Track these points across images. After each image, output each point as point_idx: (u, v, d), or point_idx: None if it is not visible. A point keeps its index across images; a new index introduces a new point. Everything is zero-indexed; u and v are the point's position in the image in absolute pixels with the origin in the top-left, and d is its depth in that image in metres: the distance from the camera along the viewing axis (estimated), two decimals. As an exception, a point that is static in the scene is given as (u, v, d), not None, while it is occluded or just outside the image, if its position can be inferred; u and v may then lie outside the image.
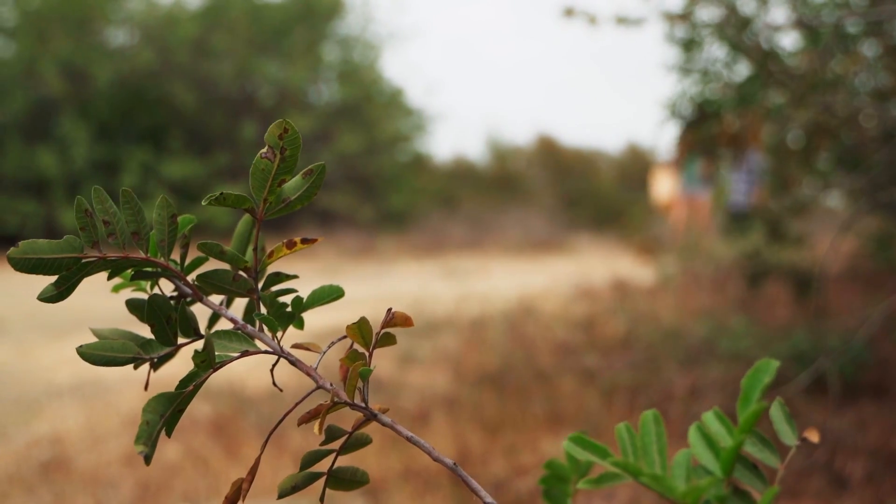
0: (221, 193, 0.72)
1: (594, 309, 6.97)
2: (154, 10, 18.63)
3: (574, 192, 23.36)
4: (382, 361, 5.99)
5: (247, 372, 5.99)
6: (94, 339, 0.76)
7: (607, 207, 22.90)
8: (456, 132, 44.44)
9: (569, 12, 7.47)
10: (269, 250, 0.81)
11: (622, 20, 7.82)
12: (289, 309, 0.80)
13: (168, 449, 4.40)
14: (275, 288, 0.82)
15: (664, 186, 12.26)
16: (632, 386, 4.70)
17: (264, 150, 0.74)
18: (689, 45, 4.04)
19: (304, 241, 0.78)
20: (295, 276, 0.82)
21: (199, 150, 18.24)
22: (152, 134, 18.24)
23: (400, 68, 37.04)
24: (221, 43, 18.12)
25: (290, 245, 0.79)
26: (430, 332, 6.78)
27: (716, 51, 3.90)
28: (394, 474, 3.76)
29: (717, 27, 3.73)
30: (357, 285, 11.64)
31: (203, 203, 0.72)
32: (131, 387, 5.44)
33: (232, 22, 18.62)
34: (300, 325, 0.83)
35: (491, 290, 9.71)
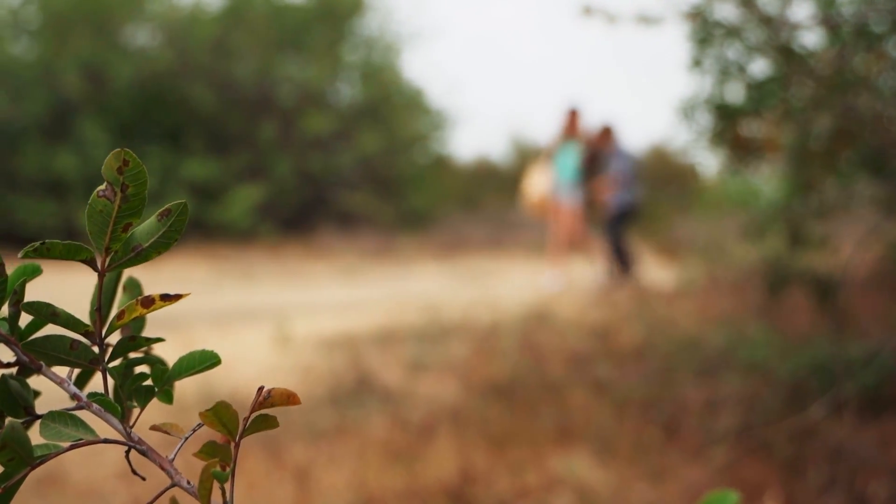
0: (44, 243, 0.57)
1: (610, 314, 6.80)
2: (174, 10, 18.57)
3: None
4: (392, 369, 5.85)
5: (254, 379, 5.87)
6: None
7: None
8: (479, 132, 44.25)
9: (587, 11, 7.31)
10: (121, 309, 0.65)
11: (641, 19, 7.65)
12: (148, 382, 0.65)
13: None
14: (132, 355, 0.67)
15: (538, 181, 10.44)
16: (645, 399, 4.53)
17: (102, 187, 0.59)
18: (704, 44, 3.86)
19: (164, 297, 0.63)
20: (159, 340, 0.67)
21: (218, 150, 18.17)
22: (172, 134, 18.19)
23: (421, 68, 36.92)
24: (241, 43, 18.04)
25: (147, 303, 0.64)
26: (443, 337, 6.63)
27: (731, 50, 3.73)
28: (392, 493, 3.61)
29: (730, 27, 3.55)
30: (374, 287, 11.51)
31: (20, 255, 0.57)
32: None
33: (252, 22, 18.54)
34: (168, 398, 0.67)
35: (509, 292, 9.55)
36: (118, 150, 0.59)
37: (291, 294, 10.88)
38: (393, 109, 19.55)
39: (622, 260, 10.12)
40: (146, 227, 0.63)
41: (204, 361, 0.67)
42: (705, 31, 3.71)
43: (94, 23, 17.69)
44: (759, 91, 3.95)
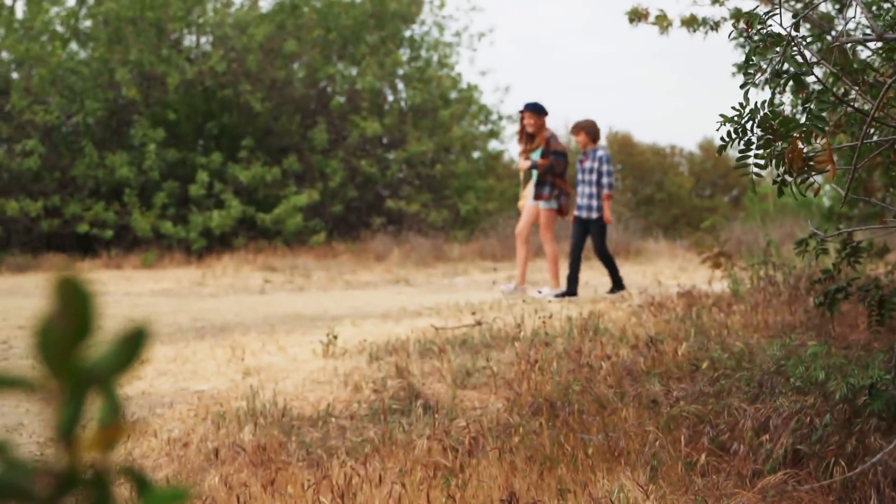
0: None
1: (662, 326, 6.67)
2: (226, 14, 18.69)
3: (649, 194, 22.90)
4: (437, 380, 5.79)
5: (299, 388, 5.84)
6: None
7: (682, 211, 22.41)
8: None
9: (636, 14, 7.16)
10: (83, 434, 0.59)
11: (692, 21, 7.47)
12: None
13: (206, 478, 4.24)
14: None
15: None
16: (697, 417, 4.40)
17: (53, 313, 0.53)
18: (756, 54, 3.74)
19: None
20: (135, 471, 0.60)
21: (269, 154, 18.25)
22: (223, 138, 18.33)
23: (473, 69, 36.81)
24: (293, 46, 18.09)
25: (109, 433, 0.57)
26: (491, 349, 6.54)
27: (785, 62, 3.61)
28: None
29: (785, 38, 3.43)
30: (423, 294, 11.47)
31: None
32: (174, 409, 5.31)
33: (303, 25, 18.59)
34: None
35: (559, 300, 9.45)
36: (65, 274, 0.52)
37: (340, 299, 10.88)
38: (445, 111, 19.42)
39: (579, 267, 10.12)
40: (105, 354, 0.56)
41: (173, 499, 0.60)
42: (757, 41, 3.59)
43: (150, 27, 17.87)
44: (814, 104, 3.82)
